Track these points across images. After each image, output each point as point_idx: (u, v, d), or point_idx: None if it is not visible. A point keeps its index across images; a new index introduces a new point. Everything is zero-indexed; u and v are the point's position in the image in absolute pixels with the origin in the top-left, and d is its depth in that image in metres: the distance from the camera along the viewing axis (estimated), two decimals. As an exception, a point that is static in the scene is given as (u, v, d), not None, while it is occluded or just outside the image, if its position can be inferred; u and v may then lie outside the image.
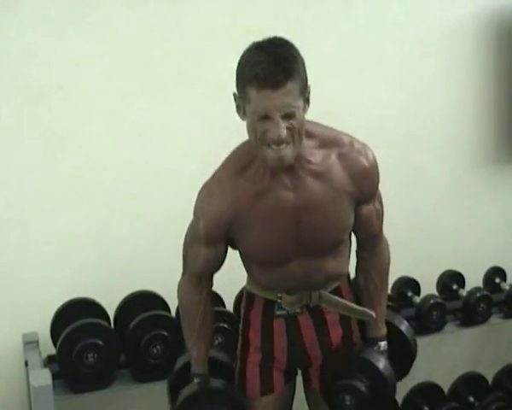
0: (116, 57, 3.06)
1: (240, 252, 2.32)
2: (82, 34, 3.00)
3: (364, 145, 2.20)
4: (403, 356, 2.51)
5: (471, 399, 3.49)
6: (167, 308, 2.96)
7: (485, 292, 3.39)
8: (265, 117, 1.94)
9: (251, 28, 3.19)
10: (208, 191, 2.21)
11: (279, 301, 2.32)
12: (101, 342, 2.67)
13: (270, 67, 1.88)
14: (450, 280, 3.50)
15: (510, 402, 3.49)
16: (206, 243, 2.22)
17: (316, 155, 2.12)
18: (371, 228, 2.30)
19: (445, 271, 3.53)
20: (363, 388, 2.29)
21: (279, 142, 1.96)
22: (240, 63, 1.99)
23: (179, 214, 3.09)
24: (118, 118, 3.09)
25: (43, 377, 2.50)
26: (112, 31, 3.05)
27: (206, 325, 2.36)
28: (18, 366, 2.94)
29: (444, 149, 3.76)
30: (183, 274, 2.39)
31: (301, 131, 2.00)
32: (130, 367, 2.79)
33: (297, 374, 2.51)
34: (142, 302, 2.92)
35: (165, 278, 3.03)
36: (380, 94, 3.54)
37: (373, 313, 2.33)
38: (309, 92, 2.03)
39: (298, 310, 2.32)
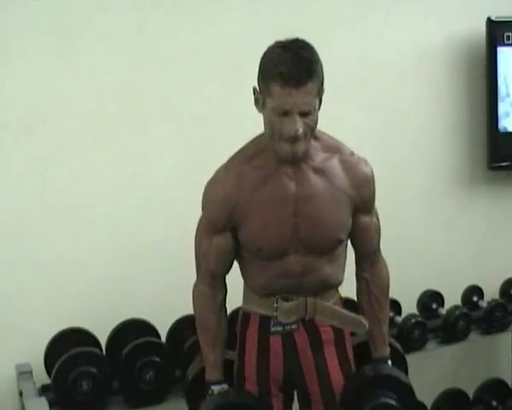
0: (99, 88, 3.12)
1: (239, 249, 2.36)
2: (65, 68, 3.07)
3: (365, 159, 2.34)
4: None
5: (453, 414, 3.56)
6: (158, 335, 3.01)
7: (464, 310, 3.47)
8: (285, 113, 2.05)
9: (230, 61, 3.32)
10: (214, 179, 2.32)
11: (275, 313, 2.34)
12: (94, 370, 2.71)
13: (295, 67, 2.01)
14: (430, 299, 3.58)
15: (491, 416, 3.58)
16: (214, 230, 2.30)
17: (319, 155, 2.25)
18: (370, 241, 2.39)
19: (425, 290, 3.62)
20: (394, 403, 2.34)
21: (295, 137, 2.08)
22: (264, 60, 2.12)
23: (168, 242, 3.20)
24: (103, 146, 3.15)
25: (40, 405, 2.56)
26: (94, 62, 3.11)
27: (221, 331, 2.42)
28: (12, 397, 2.97)
29: (420, 172, 3.85)
30: (197, 279, 2.44)
31: (313, 129, 2.14)
32: (124, 393, 2.83)
33: (293, 399, 2.54)
34: (132, 330, 2.96)
35: (154, 306, 3.14)
36: (356, 119, 3.63)
37: (366, 323, 2.40)
38: (323, 92, 2.16)
39: (293, 326, 2.36)
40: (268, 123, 2.12)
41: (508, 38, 3.81)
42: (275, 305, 2.35)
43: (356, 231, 2.35)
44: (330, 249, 2.32)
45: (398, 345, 2.67)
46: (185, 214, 3.10)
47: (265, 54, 2.12)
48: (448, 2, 3.83)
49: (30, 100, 3.03)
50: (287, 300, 2.34)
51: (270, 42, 3.35)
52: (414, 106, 3.81)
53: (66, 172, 3.10)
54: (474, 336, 3.56)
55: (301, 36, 3.42)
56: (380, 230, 2.46)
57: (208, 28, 3.31)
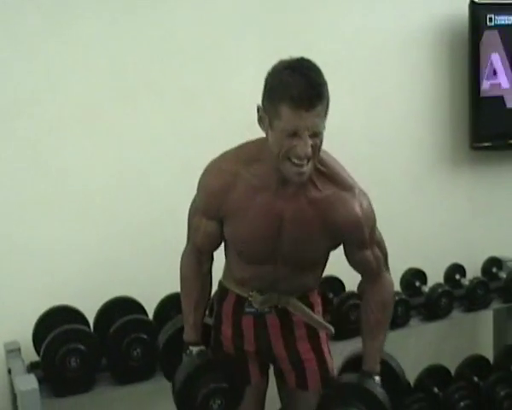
0: (89, 69, 3.15)
1: (224, 238, 2.41)
2: (56, 48, 3.08)
3: (364, 193, 2.31)
4: (395, 391, 2.57)
5: (435, 390, 3.62)
6: (145, 313, 3.06)
7: (447, 288, 3.54)
8: (294, 134, 2.04)
9: (218, 40, 3.34)
10: (211, 170, 2.33)
11: (250, 298, 2.43)
12: (83, 347, 2.75)
13: (306, 90, 2.00)
14: (413, 277, 3.64)
15: (472, 391, 3.62)
16: (206, 215, 2.36)
17: (318, 184, 2.23)
18: (369, 270, 2.39)
19: (408, 269, 3.67)
20: None
21: (304, 158, 2.07)
22: (271, 81, 2.09)
23: (155, 221, 3.23)
24: (92, 128, 3.17)
25: (29, 381, 2.60)
26: (85, 43, 3.14)
27: (204, 296, 2.50)
28: (0, 375, 2.99)
29: (403, 153, 3.89)
30: (186, 246, 2.50)
31: (320, 149, 2.12)
32: (112, 370, 2.87)
33: (269, 367, 2.60)
34: (120, 308, 3.00)
35: (141, 284, 3.16)
36: (339, 102, 3.59)
37: (331, 329, 2.46)
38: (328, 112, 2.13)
39: (266, 310, 2.44)
40: (275, 143, 2.10)
41: (490, 19, 3.84)
42: (250, 293, 2.44)
43: (354, 263, 2.39)
44: (309, 268, 2.40)
45: (394, 363, 2.67)
46: (172, 195, 3.16)
47: (272, 75, 2.10)
48: (431, -17, 3.86)
49: (19, 84, 3.05)
50: (261, 293, 2.42)
51: (256, 20, 3.42)
52: (397, 88, 3.84)
53: (55, 157, 3.12)
54: (456, 314, 3.62)
55: (285, 17, 3.49)
56: (385, 257, 2.45)
57: (198, 7, 3.33)
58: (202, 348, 2.49)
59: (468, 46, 3.86)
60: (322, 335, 2.53)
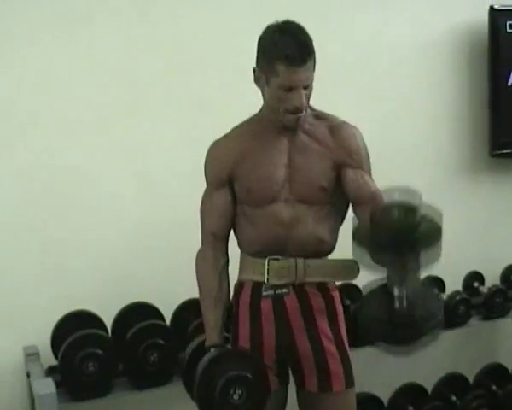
0: (106, 78, 3.18)
1: (236, 200, 2.48)
2: (70, 56, 3.13)
3: (354, 125, 2.51)
4: None
5: (453, 398, 3.61)
6: (162, 318, 3.08)
7: (464, 296, 3.53)
8: (290, 89, 2.29)
9: (229, 49, 3.35)
10: (216, 140, 2.54)
11: (267, 276, 2.42)
12: (100, 352, 2.77)
13: (298, 49, 2.27)
14: (431, 285, 3.61)
15: (490, 400, 3.61)
16: (215, 187, 2.47)
17: (310, 121, 2.46)
18: (366, 186, 2.41)
19: (426, 276, 3.65)
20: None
21: (301, 108, 2.34)
22: (264, 43, 2.36)
23: (172, 227, 3.24)
24: (106, 136, 3.21)
25: (47, 385, 2.61)
26: (99, 51, 3.18)
27: (222, 294, 2.49)
28: (20, 378, 3.04)
29: (422, 160, 3.88)
30: (201, 245, 2.54)
31: (309, 98, 2.39)
32: (129, 375, 2.89)
33: (289, 380, 2.55)
34: (137, 313, 3.02)
35: (158, 290, 3.18)
36: (358, 108, 3.62)
37: (357, 265, 2.43)
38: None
39: (284, 290, 2.43)
40: (272, 98, 2.36)
41: (510, 26, 3.83)
42: (266, 266, 2.43)
43: (351, 185, 2.43)
44: (317, 201, 2.42)
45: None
46: (188, 201, 3.15)
47: (264, 38, 2.36)
48: (451, -9, 3.86)
49: (34, 93, 3.09)
50: (278, 260, 2.42)
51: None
52: (416, 95, 3.84)
53: (71, 160, 3.15)
54: (474, 322, 3.61)
55: (301, 22, 3.49)
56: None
57: (210, 14, 3.35)
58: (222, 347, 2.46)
59: (488, 53, 3.86)
60: (339, 311, 2.51)
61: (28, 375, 2.85)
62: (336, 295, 2.53)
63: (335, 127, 2.47)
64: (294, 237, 2.41)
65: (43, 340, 3.00)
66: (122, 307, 3.08)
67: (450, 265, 3.75)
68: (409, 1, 3.80)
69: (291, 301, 2.44)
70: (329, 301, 2.48)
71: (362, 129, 3.55)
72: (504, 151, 3.93)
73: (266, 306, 2.46)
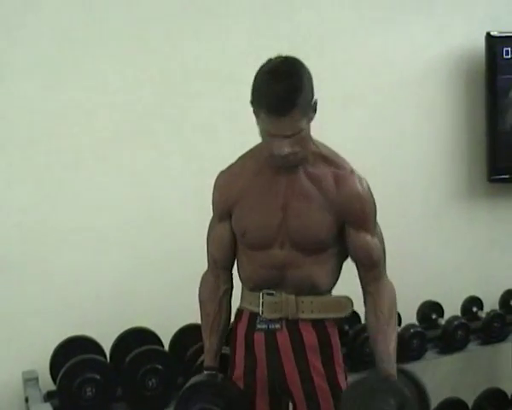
0: (108, 104, 3.20)
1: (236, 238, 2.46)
2: (74, 84, 3.14)
3: (363, 177, 2.39)
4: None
5: (453, 423, 3.61)
6: (160, 343, 3.07)
7: (463, 320, 3.52)
8: (272, 135, 2.21)
9: (231, 73, 3.37)
10: (221, 172, 2.50)
11: (261, 309, 2.42)
12: (98, 377, 2.76)
13: (279, 99, 2.14)
14: (430, 310, 3.64)
15: (489, 425, 3.62)
16: (219, 218, 2.46)
17: (315, 163, 2.36)
18: (368, 256, 2.38)
19: (425, 301, 3.67)
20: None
21: (283, 157, 2.23)
22: (255, 82, 2.24)
23: (171, 252, 3.25)
24: (111, 162, 3.22)
25: (45, 411, 2.62)
26: (102, 80, 3.20)
27: (220, 321, 2.51)
28: (18, 403, 3.02)
29: (420, 185, 3.91)
30: (207, 267, 2.55)
31: (305, 141, 2.27)
32: (127, 400, 2.88)
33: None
34: (136, 338, 3.02)
35: (157, 315, 3.18)
36: (356, 135, 3.68)
37: (350, 301, 2.42)
38: (315, 103, 2.27)
39: (277, 326, 2.42)
40: (261, 137, 2.29)
41: (507, 52, 3.87)
42: (261, 300, 2.43)
43: (353, 247, 2.39)
44: (314, 249, 2.38)
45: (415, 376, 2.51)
46: (189, 228, 3.19)
47: (256, 77, 2.24)
48: (448, 17, 3.90)
49: (38, 120, 3.10)
50: (271, 295, 2.42)
51: (270, 54, 3.45)
52: (413, 120, 3.87)
53: (74, 187, 3.17)
54: (472, 347, 3.60)
55: (302, 50, 3.52)
56: (383, 251, 2.45)
57: (210, 42, 3.38)
58: (214, 372, 2.49)
59: (485, 79, 3.89)
60: (336, 346, 2.47)
61: (27, 400, 2.84)
62: (333, 331, 2.48)
63: (342, 178, 2.34)
64: (289, 278, 2.40)
65: (42, 365, 2.99)
66: (121, 333, 3.07)
67: (448, 289, 3.80)
68: (407, 27, 3.83)
69: (283, 337, 2.44)
70: (324, 338, 2.45)
71: (360, 154, 3.61)
72: (502, 176, 3.95)
73: (259, 338, 2.46)
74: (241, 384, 2.49)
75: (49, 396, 2.87)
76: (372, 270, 2.41)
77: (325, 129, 3.52)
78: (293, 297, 2.40)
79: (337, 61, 3.65)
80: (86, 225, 3.19)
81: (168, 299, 3.23)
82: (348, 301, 2.45)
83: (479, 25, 3.88)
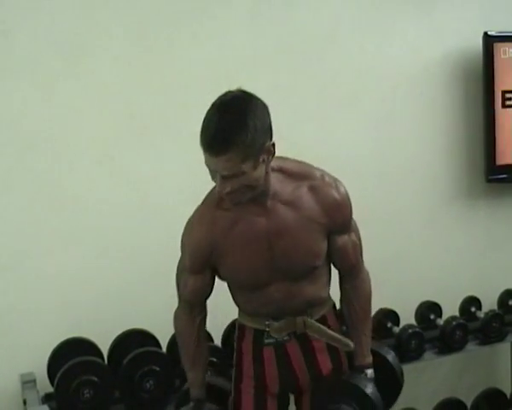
0: (105, 108, 3.20)
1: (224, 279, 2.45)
2: (72, 87, 3.14)
3: (336, 179, 2.35)
4: (390, 385, 2.60)
5: (452, 423, 3.61)
6: (158, 345, 3.07)
7: (461, 321, 3.51)
8: (213, 171, 2.13)
9: (230, 77, 3.36)
10: (190, 223, 2.39)
11: (267, 329, 2.43)
12: (96, 379, 2.77)
13: (214, 138, 2.04)
14: (428, 310, 3.63)
15: (488, 425, 3.62)
16: (192, 271, 2.38)
17: (286, 187, 2.27)
18: (347, 259, 2.43)
19: (423, 301, 3.66)
20: None
21: (223, 195, 2.15)
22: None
23: (169, 255, 3.23)
24: (108, 167, 3.22)
25: (43, 413, 2.62)
26: (100, 83, 3.19)
27: (200, 352, 2.50)
28: (16, 405, 3.01)
29: (418, 186, 3.90)
30: (178, 304, 2.53)
31: (253, 183, 2.13)
32: (125, 402, 2.89)
33: (289, 403, 2.58)
34: (134, 340, 3.03)
35: (155, 317, 3.17)
36: (354, 134, 3.70)
37: (351, 344, 2.45)
38: (272, 145, 2.13)
39: (286, 338, 2.43)
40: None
41: (504, 52, 3.86)
42: (266, 322, 2.43)
43: (333, 250, 2.41)
44: (308, 275, 2.38)
45: (390, 356, 2.67)
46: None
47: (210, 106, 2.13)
48: (445, 18, 3.90)
49: (37, 124, 3.11)
50: (277, 320, 2.42)
51: (270, 58, 3.47)
52: (411, 121, 3.86)
53: (71, 191, 3.17)
54: (471, 347, 3.59)
55: (300, 52, 3.54)
56: (360, 244, 2.49)
57: (208, 46, 3.38)
58: (200, 403, 2.49)
59: (482, 78, 3.88)
60: (343, 353, 2.52)
61: (24, 402, 2.84)
62: (335, 324, 2.54)
63: (317, 189, 2.29)
64: (290, 306, 2.40)
65: (40, 367, 2.99)
66: (118, 335, 3.08)
67: (446, 290, 3.80)
68: (404, 28, 3.83)
69: (292, 347, 2.46)
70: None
71: (358, 155, 3.63)
72: (500, 176, 3.95)
73: (268, 353, 2.47)
74: (250, 396, 2.50)
75: (46, 399, 2.88)
76: (350, 270, 2.47)
77: (324, 131, 3.59)
78: (300, 319, 2.42)
79: (335, 63, 3.65)
80: (84, 227, 3.19)
81: (166, 301, 3.21)
82: (349, 346, 2.47)
83: (476, 24, 3.88)
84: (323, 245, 2.35)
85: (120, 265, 3.24)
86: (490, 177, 3.95)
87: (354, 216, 2.45)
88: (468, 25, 3.91)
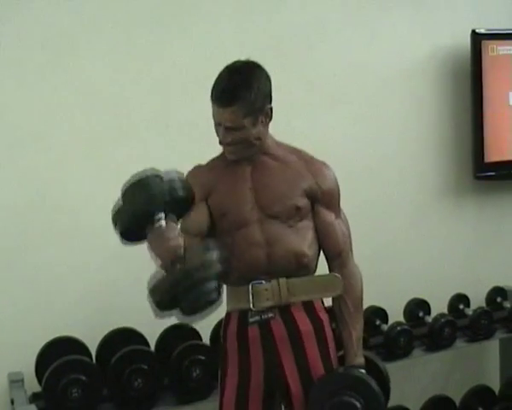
0: (93, 104, 3.20)
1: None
2: (60, 83, 3.14)
3: (325, 162, 2.55)
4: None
5: (440, 421, 3.60)
6: (146, 343, 3.07)
7: (450, 318, 3.53)
8: (217, 124, 2.41)
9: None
10: (197, 165, 2.61)
11: (252, 301, 2.42)
12: (84, 378, 2.76)
13: (222, 91, 2.36)
14: (417, 308, 3.64)
15: (477, 422, 3.62)
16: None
17: (280, 151, 2.53)
18: (334, 239, 2.51)
19: (411, 299, 3.67)
20: (358, 405, 2.37)
21: (224, 144, 2.44)
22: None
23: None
24: (96, 162, 3.21)
25: (30, 412, 2.60)
26: (88, 79, 3.19)
27: None
28: (3, 405, 3.00)
29: (406, 183, 3.92)
30: None
31: (249, 140, 2.42)
32: (113, 400, 2.88)
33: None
34: (122, 339, 3.02)
35: (143, 315, 3.15)
36: (344, 131, 3.71)
37: (338, 275, 2.49)
38: (270, 110, 2.43)
39: (270, 315, 2.44)
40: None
41: (492, 49, 3.88)
42: (250, 290, 2.44)
43: (319, 226, 2.51)
44: (289, 216, 2.46)
45: (379, 361, 2.69)
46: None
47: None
48: (433, 15, 3.91)
49: (24, 121, 3.10)
50: (260, 283, 2.44)
51: (258, 54, 3.45)
52: (400, 117, 3.88)
53: (57, 187, 3.16)
54: (459, 344, 3.61)
55: (289, 47, 3.53)
56: (349, 236, 2.56)
57: (195, 42, 3.38)
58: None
59: (471, 76, 3.90)
60: (329, 334, 2.52)
61: (12, 402, 2.83)
62: (325, 318, 2.53)
63: (310, 161, 2.53)
64: (273, 256, 2.44)
65: (27, 366, 2.98)
66: (106, 333, 3.07)
67: (435, 287, 3.81)
68: (393, 26, 3.84)
69: (278, 327, 2.45)
70: (319, 326, 2.49)
71: (346, 151, 3.63)
72: (488, 174, 3.97)
73: (254, 333, 2.47)
74: (233, 396, 2.48)
75: (34, 398, 2.87)
76: (337, 256, 2.53)
77: (313, 127, 3.58)
78: (283, 280, 2.44)
79: (324, 59, 3.66)
80: (71, 225, 3.17)
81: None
82: (336, 278, 2.51)
83: (464, 22, 3.89)
84: (302, 201, 2.48)
85: (108, 262, 3.22)
86: (478, 174, 3.97)
87: (342, 213, 2.47)
88: (457, 22, 3.93)
